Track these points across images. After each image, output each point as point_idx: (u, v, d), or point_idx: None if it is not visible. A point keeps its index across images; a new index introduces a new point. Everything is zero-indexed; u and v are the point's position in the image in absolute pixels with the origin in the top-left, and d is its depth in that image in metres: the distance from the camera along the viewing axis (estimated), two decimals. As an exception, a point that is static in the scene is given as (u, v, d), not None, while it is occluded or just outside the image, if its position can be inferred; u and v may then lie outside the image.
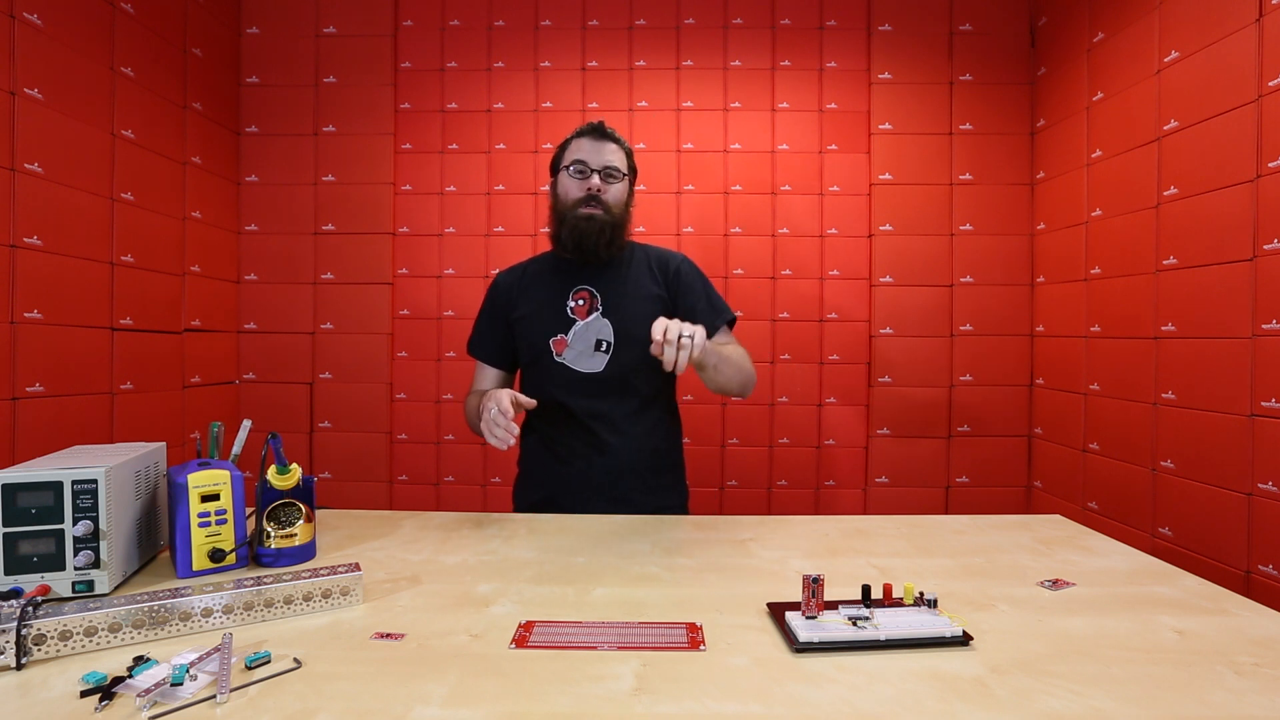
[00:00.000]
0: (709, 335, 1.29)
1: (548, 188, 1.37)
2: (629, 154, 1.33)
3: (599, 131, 1.30)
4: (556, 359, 1.26)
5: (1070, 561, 0.94)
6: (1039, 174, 2.36)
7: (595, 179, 1.26)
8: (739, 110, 2.43)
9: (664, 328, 0.99)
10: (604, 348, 1.25)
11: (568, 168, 1.29)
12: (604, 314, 1.27)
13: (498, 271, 1.41)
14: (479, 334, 1.39)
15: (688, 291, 1.32)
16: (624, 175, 1.30)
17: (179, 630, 0.68)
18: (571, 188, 1.28)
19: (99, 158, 1.79)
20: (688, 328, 1.00)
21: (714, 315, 1.32)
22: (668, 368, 0.99)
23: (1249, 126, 1.50)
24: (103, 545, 0.76)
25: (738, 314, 1.37)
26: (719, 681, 0.61)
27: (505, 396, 1.09)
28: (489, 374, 1.38)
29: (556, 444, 1.29)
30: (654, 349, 0.99)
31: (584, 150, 1.28)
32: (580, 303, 1.28)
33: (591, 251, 1.27)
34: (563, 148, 1.33)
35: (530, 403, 1.14)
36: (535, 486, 1.32)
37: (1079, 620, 0.74)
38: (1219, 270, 1.58)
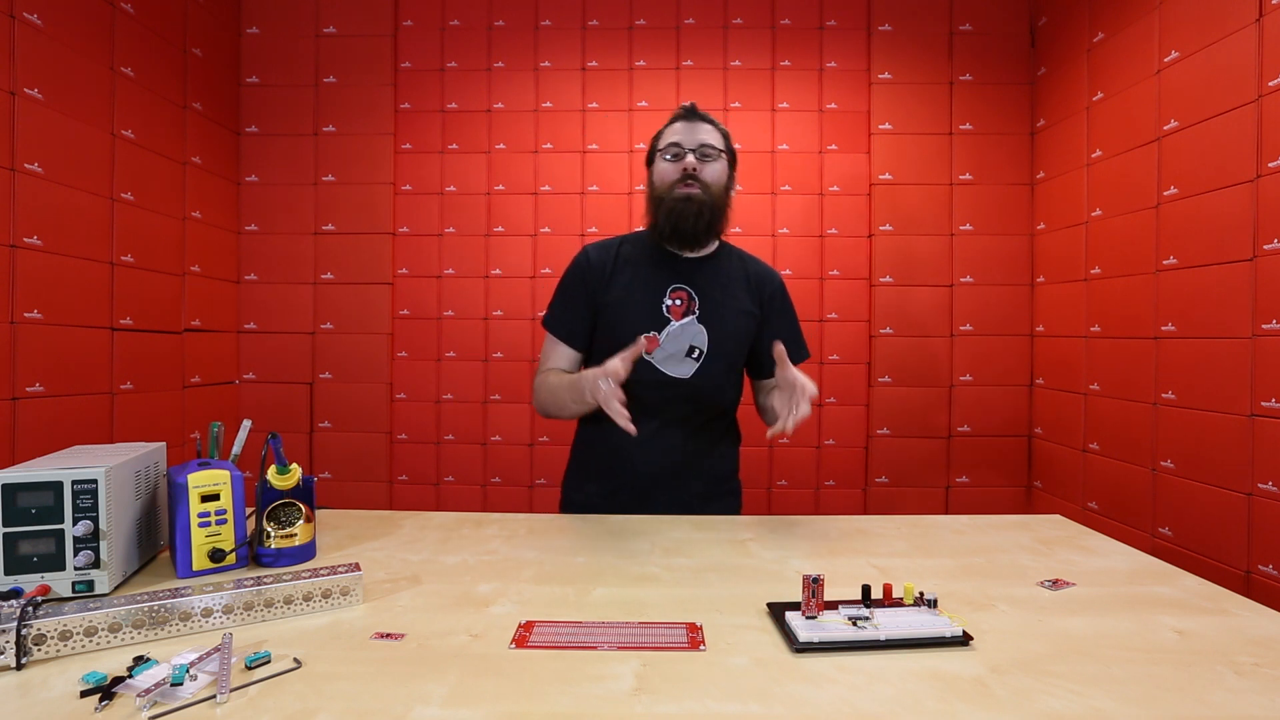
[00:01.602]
0: None
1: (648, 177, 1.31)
2: (726, 136, 1.25)
3: (692, 113, 1.23)
4: (645, 356, 1.20)
5: (1070, 561, 0.94)
6: (1039, 174, 2.36)
7: (690, 158, 1.19)
8: (739, 110, 2.43)
9: (808, 389, 1.06)
10: (695, 355, 1.21)
11: (663, 154, 1.22)
12: (700, 319, 1.22)
13: (586, 245, 1.31)
14: (561, 309, 1.28)
15: (778, 319, 1.29)
16: (721, 153, 1.23)
17: (179, 630, 0.68)
18: (667, 172, 1.21)
19: (99, 158, 1.79)
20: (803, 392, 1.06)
21: (795, 351, 1.28)
22: (786, 427, 1.05)
23: (1249, 126, 1.50)
24: (103, 545, 0.76)
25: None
26: (719, 681, 0.61)
27: (609, 371, 1.03)
28: (563, 353, 1.27)
29: (626, 442, 1.18)
30: (782, 397, 1.08)
31: (677, 133, 1.22)
32: (677, 302, 1.22)
33: (690, 234, 1.20)
34: (659, 135, 1.27)
35: (642, 346, 1.06)
36: (593, 481, 1.27)
37: (1079, 620, 0.74)
38: (1219, 270, 1.58)
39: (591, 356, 1.29)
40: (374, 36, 2.43)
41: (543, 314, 1.32)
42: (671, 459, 1.23)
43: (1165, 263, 1.75)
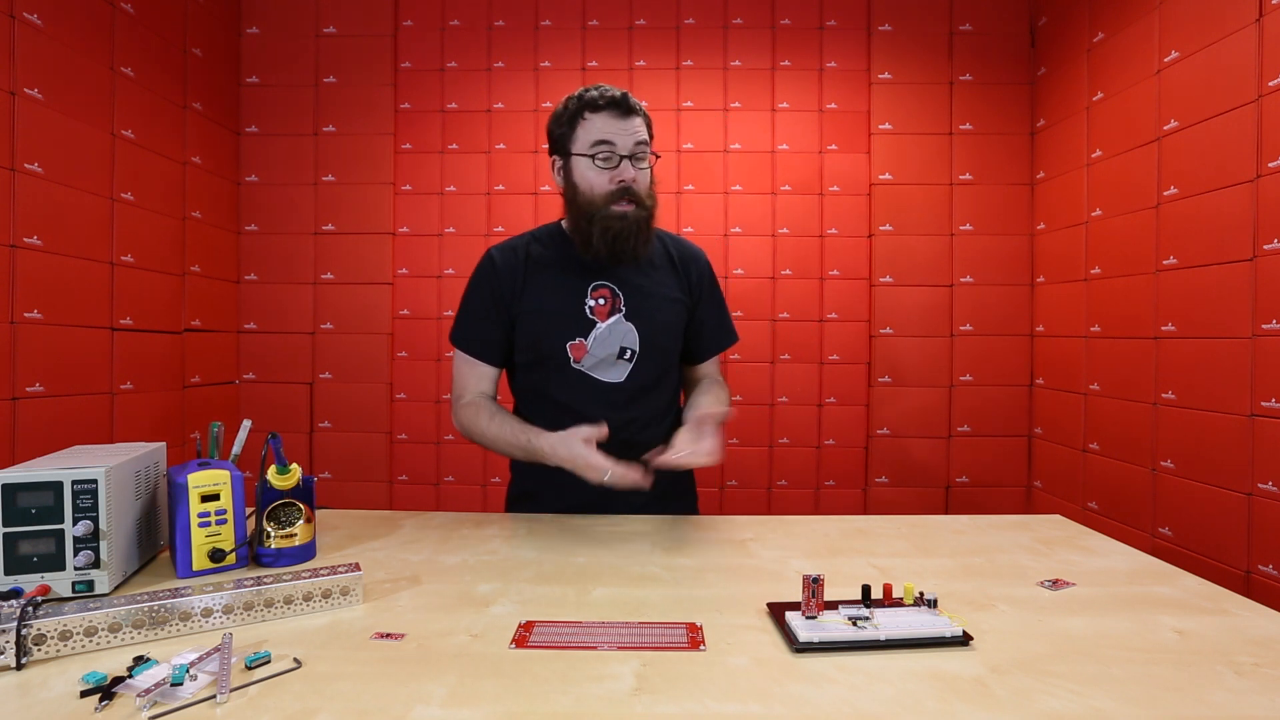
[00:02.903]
0: (711, 354, 1.24)
1: (555, 169, 1.14)
2: (651, 125, 1.13)
3: (624, 106, 1.06)
4: (574, 365, 1.11)
5: (1070, 561, 0.93)
6: (1039, 174, 2.36)
7: (628, 168, 1.06)
8: (739, 110, 2.43)
9: (685, 451, 0.97)
10: (628, 356, 1.12)
11: (591, 156, 1.07)
12: (628, 316, 1.12)
13: (491, 248, 1.17)
14: (472, 325, 1.15)
15: (706, 302, 1.21)
16: (651, 154, 1.11)
17: (179, 630, 0.68)
18: (597, 181, 1.07)
19: (99, 158, 1.79)
20: (703, 449, 0.98)
21: (721, 336, 1.24)
22: (667, 459, 0.97)
23: (1249, 126, 1.50)
24: (103, 545, 0.76)
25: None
26: (719, 681, 0.61)
27: (578, 443, 0.97)
28: (481, 373, 1.16)
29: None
30: (656, 457, 0.97)
31: (609, 129, 1.06)
32: (600, 302, 1.12)
33: (629, 254, 1.09)
34: (573, 122, 1.08)
35: (602, 434, 0.99)
36: (535, 498, 1.18)
37: (1079, 620, 0.74)
38: (1219, 270, 1.58)
39: (516, 371, 1.19)
40: (374, 36, 2.43)
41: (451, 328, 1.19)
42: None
43: (1165, 263, 1.75)
